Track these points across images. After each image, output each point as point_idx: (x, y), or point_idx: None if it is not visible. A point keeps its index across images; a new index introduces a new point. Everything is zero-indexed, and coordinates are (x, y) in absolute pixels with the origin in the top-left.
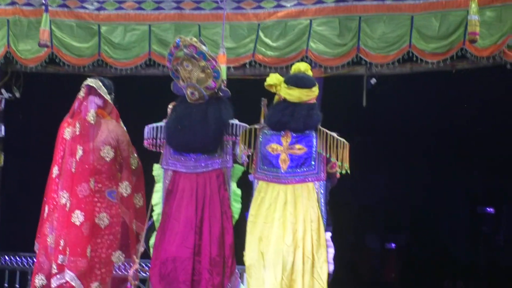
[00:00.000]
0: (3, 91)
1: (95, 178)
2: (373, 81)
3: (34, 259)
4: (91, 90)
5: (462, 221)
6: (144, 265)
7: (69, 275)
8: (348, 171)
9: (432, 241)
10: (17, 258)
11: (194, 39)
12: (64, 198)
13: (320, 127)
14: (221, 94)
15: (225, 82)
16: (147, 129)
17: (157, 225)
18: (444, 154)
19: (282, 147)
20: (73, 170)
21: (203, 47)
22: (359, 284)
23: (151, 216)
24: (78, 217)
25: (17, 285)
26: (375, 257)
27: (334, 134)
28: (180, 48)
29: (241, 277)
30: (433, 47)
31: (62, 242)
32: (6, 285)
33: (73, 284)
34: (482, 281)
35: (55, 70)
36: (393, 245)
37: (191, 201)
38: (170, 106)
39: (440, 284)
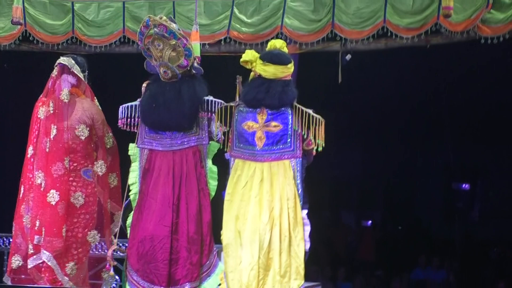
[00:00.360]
0: None
1: (70, 157)
2: (348, 57)
3: (11, 240)
4: (64, 69)
5: (437, 197)
6: (121, 245)
7: (45, 255)
8: (323, 147)
9: (407, 218)
10: None
11: (164, 17)
12: (39, 178)
13: (296, 104)
14: (194, 71)
15: (198, 59)
16: (121, 108)
17: (134, 204)
18: (419, 130)
19: (258, 125)
20: (47, 149)
21: (173, 25)
22: (336, 261)
23: (128, 196)
24: (53, 196)
25: None
26: (351, 234)
27: (310, 111)
28: (150, 28)
29: (218, 255)
30: (407, 22)
31: (37, 223)
32: None
33: (50, 264)
34: (457, 256)
35: (28, 48)
36: (368, 222)
37: (168, 179)
38: (144, 85)
39: (415, 260)
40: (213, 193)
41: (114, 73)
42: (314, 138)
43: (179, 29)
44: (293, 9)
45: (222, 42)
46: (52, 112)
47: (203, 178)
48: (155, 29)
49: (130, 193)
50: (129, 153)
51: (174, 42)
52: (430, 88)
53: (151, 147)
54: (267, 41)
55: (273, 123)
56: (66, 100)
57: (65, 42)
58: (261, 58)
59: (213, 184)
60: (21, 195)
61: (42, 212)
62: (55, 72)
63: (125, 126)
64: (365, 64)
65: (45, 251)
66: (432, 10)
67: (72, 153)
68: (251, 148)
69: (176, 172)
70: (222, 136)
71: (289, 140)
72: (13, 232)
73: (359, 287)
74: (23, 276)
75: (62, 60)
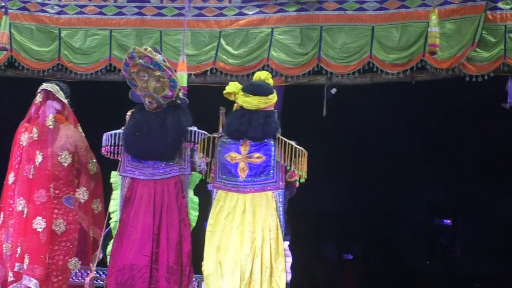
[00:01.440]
0: None
1: (53, 184)
2: (334, 90)
3: None
4: (49, 95)
5: (420, 232)
6: (101, 273)
7: (33, 282)
8: (306, 179)
9: (389, 252)
10: None
11: (149, 49)
12: (20, 205)
13: (279, 135)
14: (179, 101)
15: (184, 89)
16: (105, 136)
17: (114, 232)
18: (402, 164)
19: (240, 156)
20: (30, 176)
21: (158, 57)
22: None
23: (108, 224)
24: (39, 223)
25: None
26: (332, 267)
27: (293, 143)
28: (135, 59)
29: (199, 286)
30: (393, 58)
31: (19, 250)
32: None
33: None
34: None
35: (14, 74)
36: (350, 255)
37: (149, 208)
38: (128, 113)
39: None
40: (193, 224)
41: (99, 100)
42: (297, 169)
43: (164, 60)
44: (280, 42)
45: (208, 72)
46: (36, 138)
47: (184, 208)
48: (140, 60)
49: (110, 221)
50: (111, 180)
51: (159, 74)
52: (413, 124)
53: (133, 176)
54: (253, 73)
55: (256, 155)
56: (52, 127)
57: (51, 69)
58: (242, 89)
59: (194, 214)
60: (0, 222)
61: (26, 240)
62: (39, 98)
63: (108, 154)
64: (350, 98)
65: (32, 279)
66: (418, 47)
67: (55, 180)
68: (234, 179)
69: (157, 201)
70: (205, 167)
71: (271, 171)
72: None
73: None
74: None
75: (46, 86)
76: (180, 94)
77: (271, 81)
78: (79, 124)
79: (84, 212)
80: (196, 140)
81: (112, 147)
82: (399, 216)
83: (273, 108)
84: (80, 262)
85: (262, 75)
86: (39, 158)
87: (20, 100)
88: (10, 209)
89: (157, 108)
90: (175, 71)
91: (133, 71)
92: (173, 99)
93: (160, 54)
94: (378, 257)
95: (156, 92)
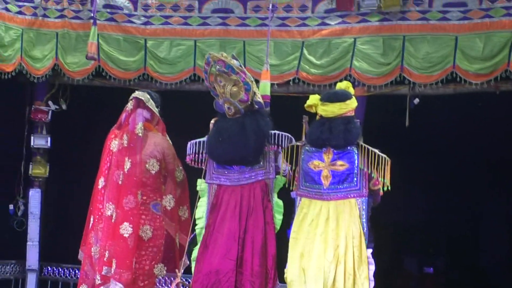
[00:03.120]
0: (50, 103)
1: (141, 191)
2: (416, 101)
3: (77, 271)
4: (140, 103)
5: (503, 246)
6: (184, 280)
7: (119, 287)
8: (389, 187)
9: (471, 266)
10: (60, 269)
11: (224, 54)
12: (109, 209)
13: (362, 143)
14: (256, 106)
15: (267, 98)
16: (190, 144)
17: (199, 238)
18: (486, 176)
19: (324, 164)
20: (119, 182)
21: (233, 61)
22: None
23: (193, 230)
24: (126, 229)
25: None
26: (413, 280)
27: (376, 150)
28: (211, 64)
29: None
30: (477, 68)
31: (107, 254)
32: None
33: None
34: None
35: (101, 83)
36: (431, 268)
37: (235, 213)
38: (212, 121)
39: None
40: (278, 227)
41: (184, 110)
42: (380, 177)
43: (240, 66)
44: (362, 51)
45: (291, 82)
46: (126, 145)
47: (269, 211)
48: (215, 65)
49: (196, 227)
50: (198, 188)
51: (235, 78)
52: (498, 135)
53: (219, 182)
54: (335, 83)
55: (339, 162)
56: (141, 134)
57: (137, 78)
58: (320, 99)
59: (278, 218)
60: (90, 225)
61: (113, 244)
62: (130, 106)
63: (192, 162)
64: (433, 108)
65: (118, 283)
66: (503, 57)
67: (142, 187)
68: (317, 187)
69: (244, 206)
70: (290, 171)
71: (355, 179)
72: (82, 260)
73: None
74: None
75: (138, 94)
76: (256, 98)
77: (352, 90)
78: (166, 133)
79: (171, 218)
80: (280, 143)
81: (196, 155)
82: (481, 229)
83: (353, 114)
84: (165, 268)
85: (343, 85)
86: (127, 165)
87: (108, 108)
88: (100, 213)
89: (235, 113)
90: (257, 80)
91: (212, 80)
92: (249, 102)
93: (237, 60)
94: (459, 271)
95: (233, 97)
